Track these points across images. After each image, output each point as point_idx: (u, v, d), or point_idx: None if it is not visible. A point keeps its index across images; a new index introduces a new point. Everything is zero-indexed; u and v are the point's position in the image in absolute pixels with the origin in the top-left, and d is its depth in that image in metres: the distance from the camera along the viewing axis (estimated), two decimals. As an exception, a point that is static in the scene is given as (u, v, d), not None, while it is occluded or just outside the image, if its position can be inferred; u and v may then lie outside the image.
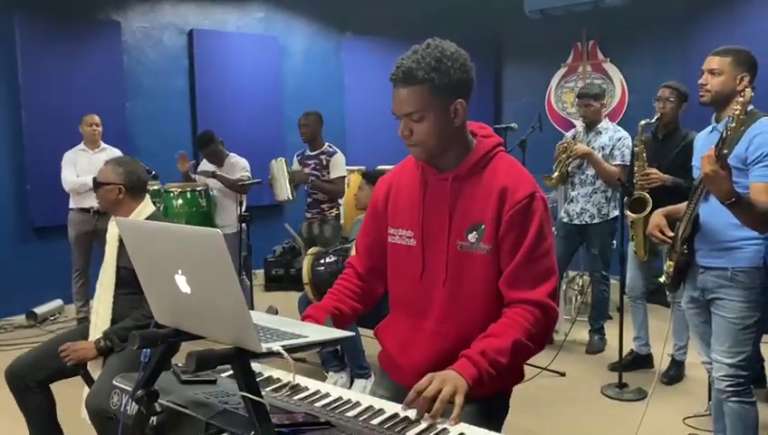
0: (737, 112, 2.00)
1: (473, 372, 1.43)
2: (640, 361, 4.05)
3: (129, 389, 1.42)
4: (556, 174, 4.21)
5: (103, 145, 5.10)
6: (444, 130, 1.56)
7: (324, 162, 4.79)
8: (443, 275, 1.61)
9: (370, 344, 1.82)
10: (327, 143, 4.88)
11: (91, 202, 4.88)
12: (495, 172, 1.59)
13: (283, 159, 4.89)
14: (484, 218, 1.57)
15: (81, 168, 4.94)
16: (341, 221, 4.97)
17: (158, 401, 1.32)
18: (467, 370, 1.43)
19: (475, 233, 1.58)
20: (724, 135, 2.03)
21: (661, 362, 3.50)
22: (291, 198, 4.89)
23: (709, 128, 2.57)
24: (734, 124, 2.01)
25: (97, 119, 5.04)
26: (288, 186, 4.84)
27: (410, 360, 1.67)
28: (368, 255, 1.82)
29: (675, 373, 3.86)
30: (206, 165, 5.20)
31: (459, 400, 1.36)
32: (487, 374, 1.45)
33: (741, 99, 2.03)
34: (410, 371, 1.65)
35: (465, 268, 1.60)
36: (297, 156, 5.00)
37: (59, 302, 5.58)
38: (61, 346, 2.54)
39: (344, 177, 4.85)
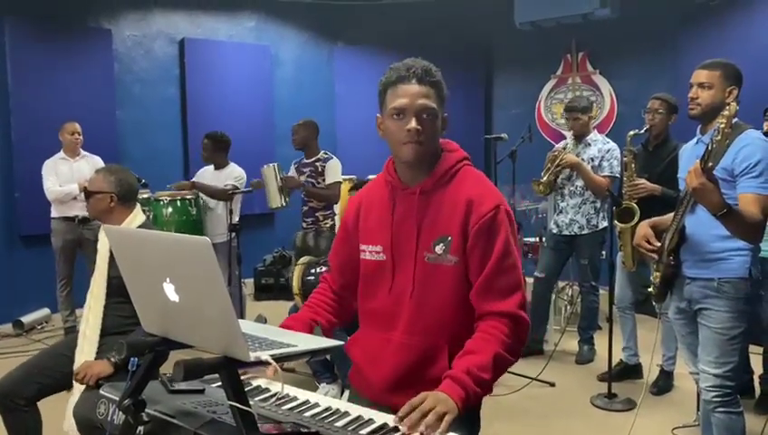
0: (722, 126, 2.03)
1: (460, 394, 1.44)
2: (629, 371, 4.06)
3: (116, 398, 1.41)
4: (545, 178, 4.22)
5: (83, 153, 5.06)
6: (437, 136, 1.63)
7: (320, 169, 4.79)
8: (410, 287, 1.63)
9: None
10: (323, 151, 4.89)
11: (76, 211, 4.85)
12: (461, 185, 1.62)
13: (274, 165, 4.84)
14: (451, 230, 1.59)
15: (63, 176, 4.90)
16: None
17: (146, 410, 1.31)
18: (455, 391, 1.44)
19: (442, 245, 1.60)
20: (709, 148, 2.06)
21: (649, 372, 3.52)
22: (283, 204, 4.84)
23: (694, 140, 2.60)
24: (719, 137, 2.04)
25: (78, 127, 5.00)
26: (279, 193, 4.80)
27: (378, 373, 1.68)
28: (340, 273, 1.83)
29: (664, 384, 3.87)
30: (203, 172, 5.16)
31: (449, 418, 1.37)
32: (474, 393, 1.47)
33: (726, 112, 2.06)
34: (379, 384, 1.67)
35: (433, 280, 1.61)
36: (294, 163, 5.00)
37: (46, 311, 5.53)
38: (75, 370, 2.46)
39: (339, 182, 4.84)
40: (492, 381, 1.51)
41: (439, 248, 1.60)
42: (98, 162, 4.95)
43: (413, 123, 1.56)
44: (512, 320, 1.56)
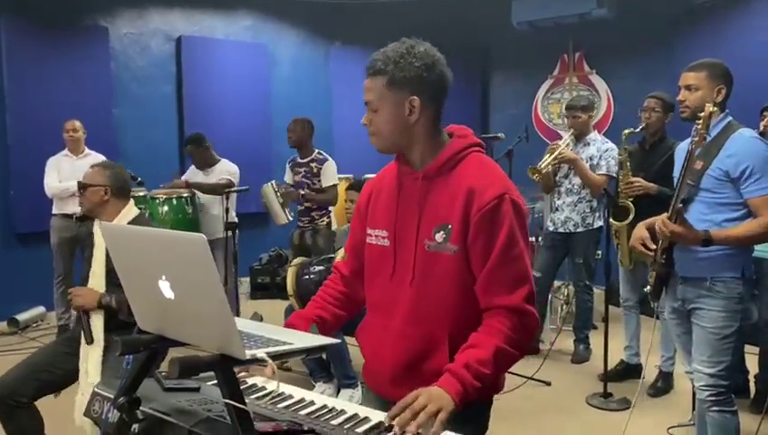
0: (699, 128, 2.09)
1: (458, 388, 1.42)
2: (630, 370, 4.04)
3: (111, 396, 1.40)
4: (542, 167, 4.14)
5: (87, 151, 5.07)
6: (397, 124, 1.57)
7: (315, 170, 4.78)
8: (410, 275, 1.60)
9: (357, 354, 1.81)
10: (317, 150, 4.87)
11: (74, 208, 4.85)
12: (465, 172, 1.58)
13: (272, 184, 4.89)
14: (451, 218, 1.55)
15: (64, 173, 4.91)
16: (334, 228, 4.97)
17: (140, 408, 1.30)
18: (452, 386, 1.42)
19: (442, 233, 1.56)
20: (690, 148, 2.20)
21: (645, 370, 3.52)
22: (289, 220, 4.94)
23: (689, 139, 2.61)
24: (696, 139, 2.14)
25: (76, 124, 5.00)
26: (282, 211, 4.88)
27: (381, 361, 1.67)
28: (353, 255, 1.81)
29: (663, 385, 3.85)
30: (193, 172, 5.17)
31: (442, 416, 1.35)
32: (472, 387, 1.44)
33: (702, 114, 2.12)
34: (382, 373, 1.65)
35: (433, 268, 1.58)
36: (288, 162, 4.99)
37: (41, 309, 5.52)
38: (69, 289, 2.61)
39: (336, 185, 4.83)
40: (493, 375, 1.48)
41: (439, 236, 1.56)
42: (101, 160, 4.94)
43: (364, 118, 1.63)
44: (517, 314, 1.51)
